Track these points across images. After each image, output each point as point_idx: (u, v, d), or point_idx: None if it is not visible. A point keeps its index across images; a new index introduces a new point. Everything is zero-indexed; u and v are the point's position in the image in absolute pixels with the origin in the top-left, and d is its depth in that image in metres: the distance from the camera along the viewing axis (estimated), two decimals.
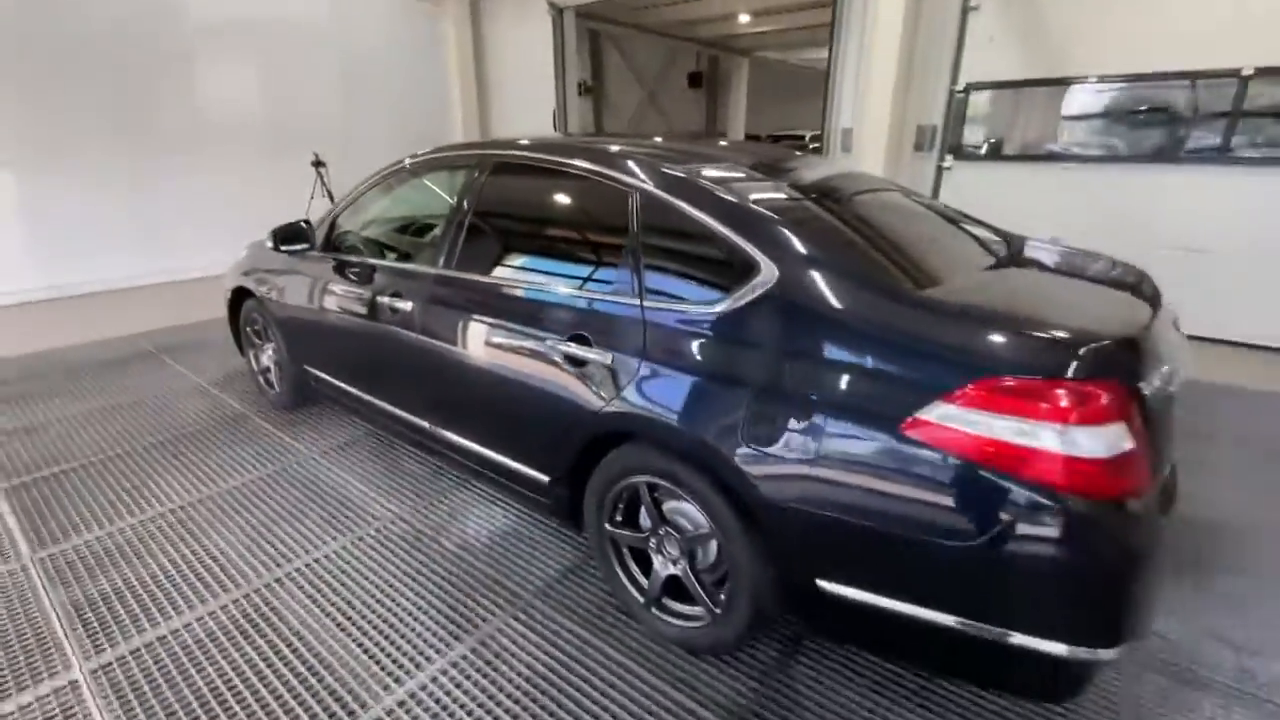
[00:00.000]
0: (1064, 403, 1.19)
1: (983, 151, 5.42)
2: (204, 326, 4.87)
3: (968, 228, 2.27)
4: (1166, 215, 4.66)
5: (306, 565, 2.19)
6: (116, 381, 3.86)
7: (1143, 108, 4.67)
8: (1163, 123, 4.61)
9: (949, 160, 5.52)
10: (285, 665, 1.77)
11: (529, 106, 8.87)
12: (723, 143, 2.68)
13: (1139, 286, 1.77)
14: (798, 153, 2.81)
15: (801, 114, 15.01)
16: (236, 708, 1.63)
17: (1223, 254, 4.48)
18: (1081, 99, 4.91)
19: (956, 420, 1.25)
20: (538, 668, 1.77)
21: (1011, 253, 2.05)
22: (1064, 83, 4.92)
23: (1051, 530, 1.20)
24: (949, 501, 1.27)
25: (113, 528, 2.40)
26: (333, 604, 2.00)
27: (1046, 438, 1.19)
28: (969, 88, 5.29)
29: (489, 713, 1.63)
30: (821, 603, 1.48)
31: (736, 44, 14.75)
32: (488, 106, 9.22)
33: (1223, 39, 4.23)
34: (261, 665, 1.77)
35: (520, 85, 8.89)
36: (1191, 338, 1.77)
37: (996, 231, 2.33)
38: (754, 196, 1.75)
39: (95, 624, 1.92)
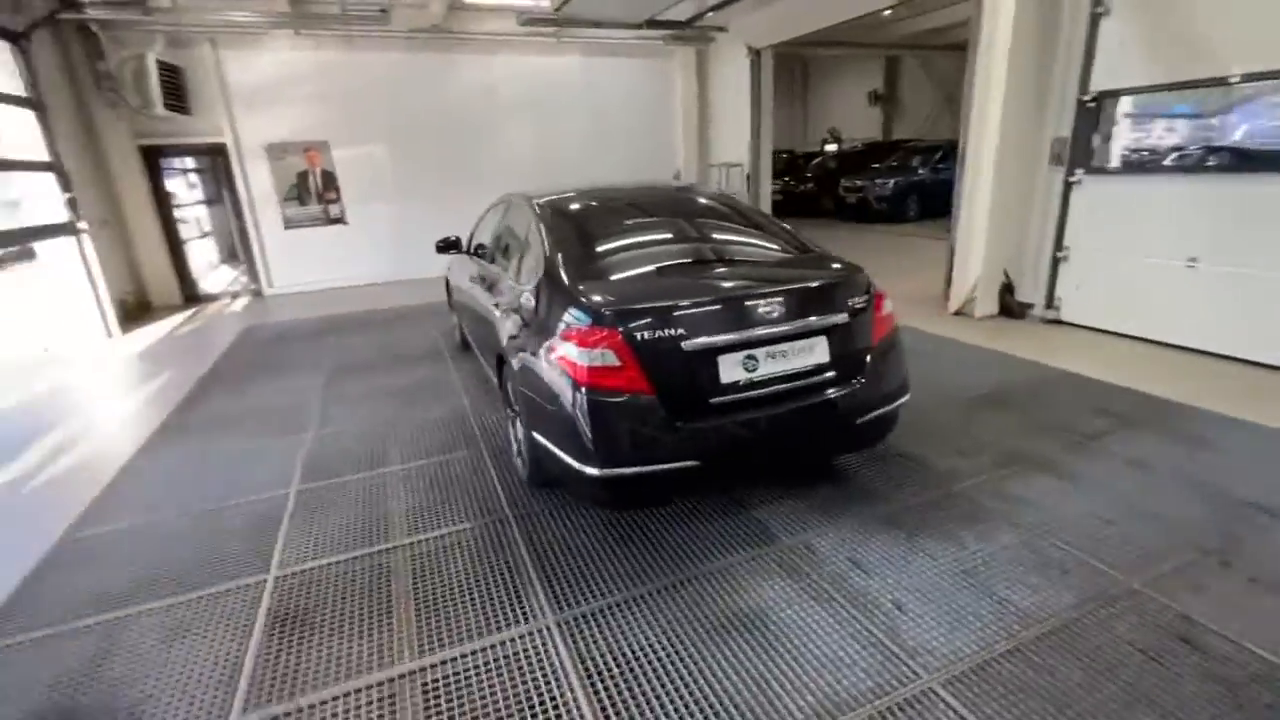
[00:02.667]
0: (581, 338, 2.32)
1: (1115, 165, 4.98)
2: None
3: (737, 237, 3.14)
4: None
5: (426, 418, 4.18)
6: (394, 327, 6.68)
7: None
8: None
9: (1078, 174, 5.18)
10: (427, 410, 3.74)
11: (744, 134, 10.16)
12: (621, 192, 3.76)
13: (797, 290, 2.54)
14: (659, 186, 3.93)
15: None
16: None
17: None
18: (1227, 101, 4.27)
19: (560, 347, 2.45)
20: (458, 469, 3.39)
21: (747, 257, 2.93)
22: (1204, 85, 4.34)
23: (579, 404, 2.34)
24: (556, 388, 2.47)
25: (376, 383, 4.80)
26: (429, 420, 3.94)
27: (575, 354, 2.33)
28: (1099, 96, 4.94)
29: (436, 479, 3.31)
30: (535, 445, 2.76)
31: None
32: (707, 135, 10.84)
33: None
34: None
35: (736, 117, 10.24)
36: None
37: (790, 243, 3.08)
38: (569, 225, 3.07)
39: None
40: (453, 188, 9.44)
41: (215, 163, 8.51)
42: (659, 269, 2.82)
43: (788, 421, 2.50)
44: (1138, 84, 4.72)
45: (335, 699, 1.98)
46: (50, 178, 6.26)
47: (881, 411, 2.72)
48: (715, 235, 3.23)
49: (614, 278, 2.70)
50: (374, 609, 2.37)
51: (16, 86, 5.93)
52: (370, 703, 1.96)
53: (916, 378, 4.43)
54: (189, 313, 8.06)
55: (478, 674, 2.04)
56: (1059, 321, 5.53)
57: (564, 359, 2.39)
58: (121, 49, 7.24)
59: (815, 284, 2.65)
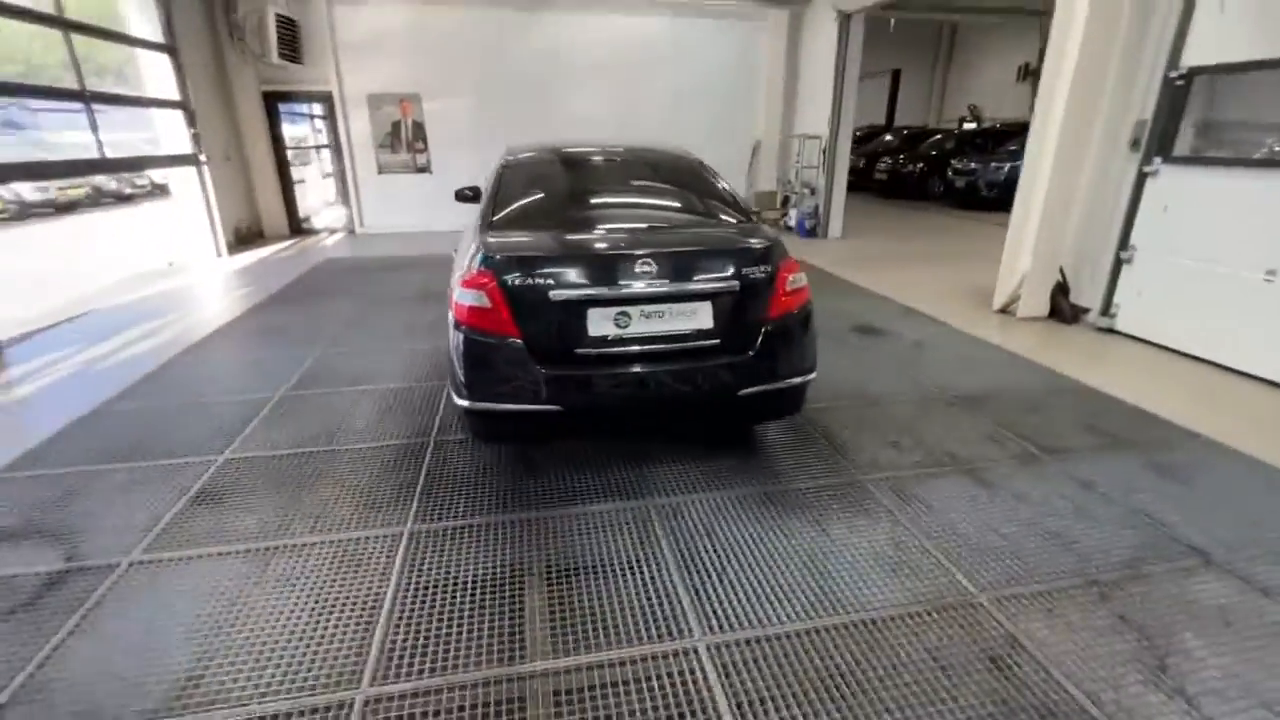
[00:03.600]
0: (466, 281, 2.47)
1: (1197, 154, 4.27)
2: None
3: (672, 200, 3.19)
4: None
5: (419, 350, 4.59)
6: (444, 270, 7.17)
7: None
8: None
9: (1155, 164, 4.50)
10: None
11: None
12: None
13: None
14: (636, 148, 3.71)
15: None
16: None
17: None
18: None
19: (457, 290, 2.62)
20: (418, 397, 3.72)
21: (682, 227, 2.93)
22: None
23: (456, 341, 2.51)
24: (450, 326, 2.65)
25: (399, 315, 5.30)
26: (420, 351, 4.34)
27: (458, 295, 2.50)
28: (1190, 74, 4.23)
29: (396, 401, 3.68)
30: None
31: None
32: (793, 105, 10.34)
33: None
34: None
35: (822, 87, 9.68)
36: None
37: (731, 211, 3.04)
38: (519, 178, 3.21)
39: None
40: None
41: (325, 110, 9.45)
42: (566, 223, 2.88)
43: (659, 382, 2.53)
44: (1237, 59, 3.98)
45: (212, 555, 2.36)
46: (179, 115, 7.31)
47: (772, 387, 2.66)
48: (650, 198, 3.25)
49: (521, 229, 2.81)
50: (279, 497, 2.75)
51: (156, 34, 6.95)
52: (237, 565, 2.32)
53: (905, 369, 4.22)
54: (290, 243, 9.13)
55: (329, 560, 2.34)
56: (1113, 331, 4.90)
57: (454, 299, 2.57)
58: (250, 1, 8.19)
59: (701, 249, 2.62)
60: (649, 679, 1.84)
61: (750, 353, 2.61)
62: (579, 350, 2.49)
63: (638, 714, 1.72)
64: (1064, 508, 2.65)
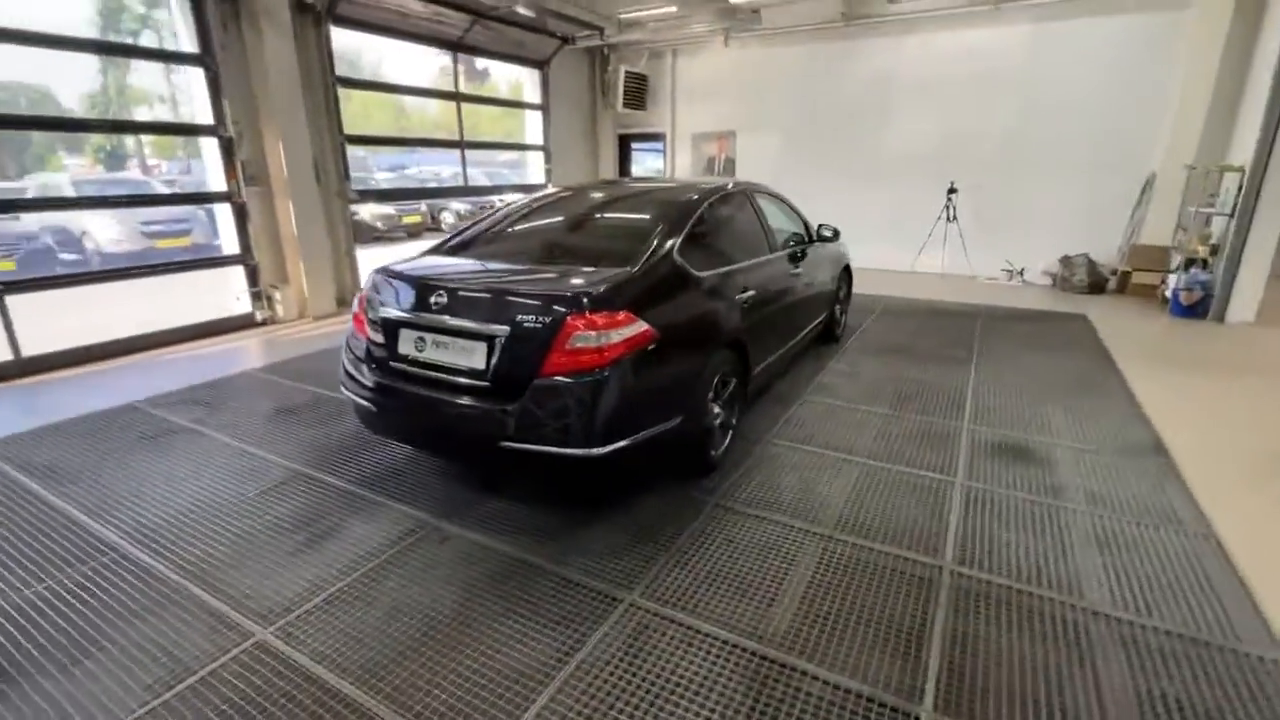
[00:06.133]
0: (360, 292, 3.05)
1: None
2: None
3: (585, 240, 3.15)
4: None
5: None
6: None
7: None
8: None
9: None
10: None
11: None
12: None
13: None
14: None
15: None
16: None
17: None
18: None
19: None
20: None
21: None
22: None
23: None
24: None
25: None
26: None
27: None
28: None
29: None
30: None
31: None
32: (1224, 117, 6.94)
33: None
34: None
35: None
36: None
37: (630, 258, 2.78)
38: (511, 210, 3.57)
39: None
40: (836, 177, 9.34)
41: (662, 146, 11.06)
42: (466, 253, 3.17)
43: (433, 409, 2.61)
44: None
45: (220, 441, 3.61)
46: (540, 155, 9.84)
47: (531, 449, 2.40)
48: (571, 236, 3.21)
49: (445, 255, 3.21)
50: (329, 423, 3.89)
51: (535, 97, 9.51)
52: (225, 452, 3.50)
53: (981, 508, 2.77)
54: None
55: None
56: None
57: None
58: (617, 63, 10.24)
59: (487, 290, 2.52)
60: None
61: (514, 405, 2.43)
62: (392, 363, 2.79)
63: None
64: None
